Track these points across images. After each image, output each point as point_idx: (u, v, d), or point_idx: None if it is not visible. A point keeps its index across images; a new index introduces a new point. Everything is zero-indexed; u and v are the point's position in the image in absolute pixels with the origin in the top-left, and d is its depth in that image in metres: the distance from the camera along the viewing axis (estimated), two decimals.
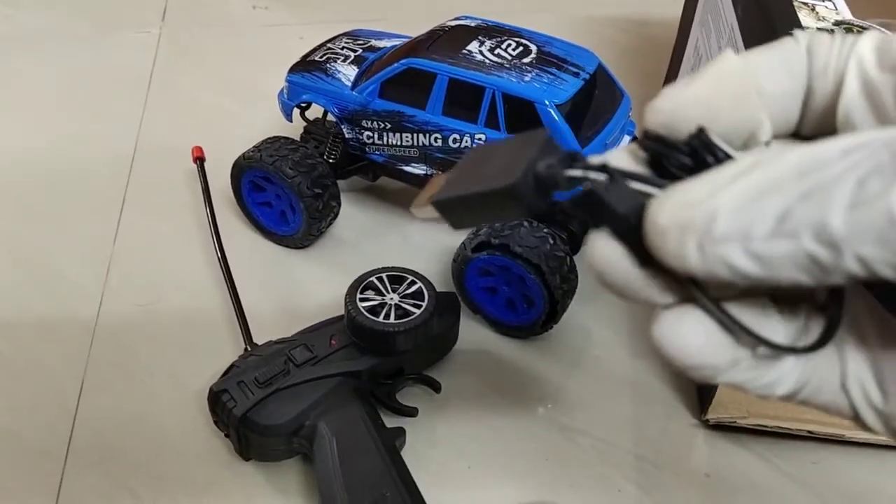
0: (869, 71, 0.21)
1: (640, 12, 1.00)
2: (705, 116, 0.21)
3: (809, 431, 0.53)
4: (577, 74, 0.58)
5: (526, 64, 0.58)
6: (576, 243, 0.64)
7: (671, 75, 0.83)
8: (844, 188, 0.17)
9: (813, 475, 0.53)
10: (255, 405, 0.49)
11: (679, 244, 0.19)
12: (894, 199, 0.16)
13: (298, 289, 0.65)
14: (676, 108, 0.22)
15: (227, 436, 0.51)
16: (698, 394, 0.57)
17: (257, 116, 0.78)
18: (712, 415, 0.54)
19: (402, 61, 0.59)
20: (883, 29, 0.39)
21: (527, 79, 0.56)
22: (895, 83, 0.20)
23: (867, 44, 0.21)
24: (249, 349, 0.55)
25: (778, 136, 0.23)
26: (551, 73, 0.57)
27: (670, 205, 0.20)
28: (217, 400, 0.50)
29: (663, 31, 0.87)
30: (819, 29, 0.24)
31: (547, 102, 0.55)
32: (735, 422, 0.54)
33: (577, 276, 0.58)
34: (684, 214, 0.19)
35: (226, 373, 0.52)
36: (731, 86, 0.22)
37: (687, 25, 0.77)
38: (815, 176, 0.17)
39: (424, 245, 0.68)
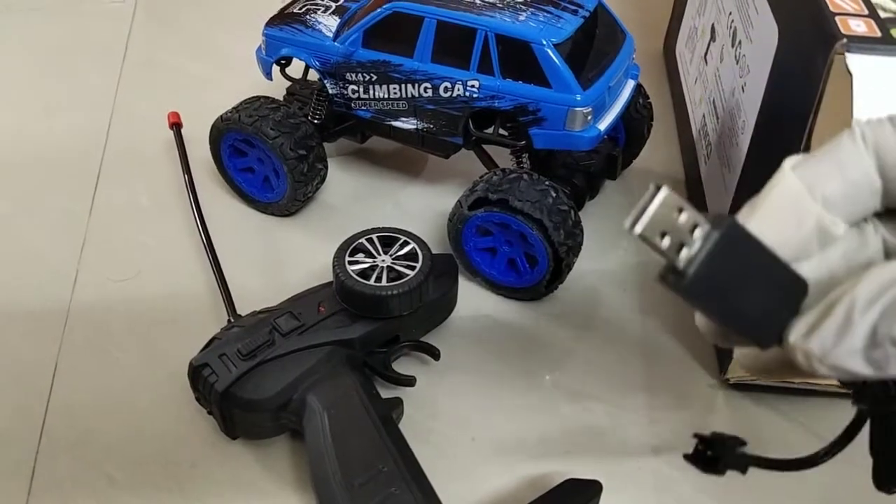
0: None
1: None
2: (776, 243, 0.26)
3: (837, 387, 0.49)
4: (575, 12, 0.53)
5: (520, 3, 0.53)
6: (580, 198, 0.60)
7: (672, 30, 0.79)
8: None
9: None
10: (238, 379, 0.46)
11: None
12: None
13: (285, 258, 0.61)
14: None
15: (210, 413, 0.48)
16: (717, 353, 0.53)
17: (238, 83, 0.73)
18: (732, 374, 0.50)
19: (386, 6, 0.55)
20: None
21: (521, 18, 0.52)
22: None
23: None
24: (233, 321, 0.51)
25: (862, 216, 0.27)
26: (547, 12, 0.53)
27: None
28: (198, 375, 0.46)
29: None
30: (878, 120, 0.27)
31: (544, 42, 0.51)
32: (757, 380, 0.50)
33: (582, 232, 0.54)
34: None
35: (206, 346, 0.48)
36: (789, 213, 0.26)
37: None
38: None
39: (418, 210, 0.64)
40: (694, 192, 0.64)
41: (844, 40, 0.37)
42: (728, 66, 0.56)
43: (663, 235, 0.24)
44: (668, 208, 0.24)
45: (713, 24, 0.62)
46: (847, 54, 0.37)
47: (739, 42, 0.54)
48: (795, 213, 0.26)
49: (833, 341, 0.24)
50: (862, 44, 0.37)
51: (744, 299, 0.26)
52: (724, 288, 0.25)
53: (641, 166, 0.67)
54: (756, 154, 0.49)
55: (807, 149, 0.40)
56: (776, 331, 0.26)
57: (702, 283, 0.25)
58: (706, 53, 0.64)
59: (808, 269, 0.27)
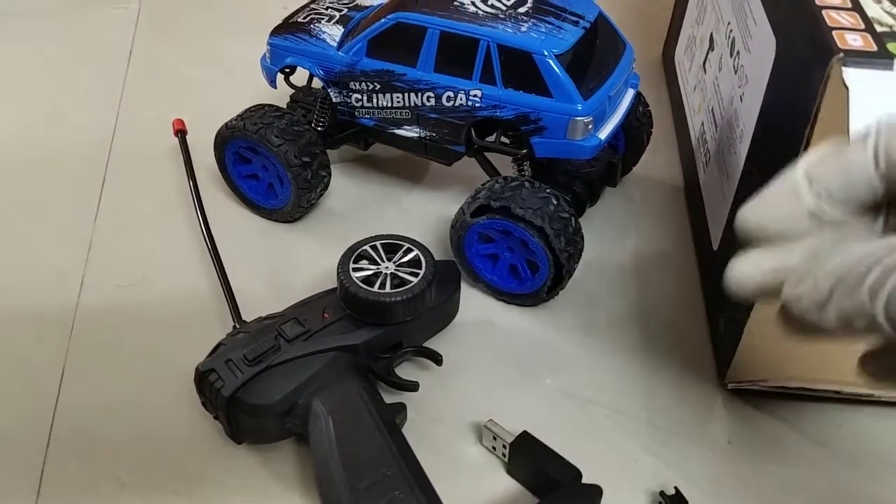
0: None
1: None
2: (768, 218, 0.32)
3: (836, 392, 0.50)
4: (576, 23, 0.54)
5: (522, 14, 0.54)
6: (580, 205, 0.60)
7: (671, 38, 0.80)
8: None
9: (840, 438, 0.50)
10: (244, 384, 0.46)
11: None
12: None
13: (289, 264, 0.61)
14: (758, 223, 0.32)
15: (216, 418, 0.48)
16: (716, 358, 0.54)
17: (242, 89, 0.74)
18: (731, 379, 0.51)
19: (390, 16, 0.56)
20: None
21: (523, 29, 0.53)
22: None
23: None
24: (238, 326, 0.52)
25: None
26: (549, 23, 0.53)
27: None
28: (204, 380, 0.47)
29: None
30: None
31: (546, 53, 0.51)
32: (756, 385, 0.50)
33: (582, 239, 0.55)
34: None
35: (213, 351, 0.49)
36: (785, 197, 0.31)
37: None
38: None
39: (421, 215, 0.65)
40: (693, 198, 0.64)
41: (841, 54, 0.38)
42: (726, 75, 0.57)
43: None
44: None
45: (712, 34, 0.63)
46: (844, 68, 0.37)
47: (738, 52, 0.55)
48: (790, 197, 0.31)
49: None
50: (858, 58, 0.38)
51: None
52: None
53: (641, 173, 0.68)
54: (753, 163, 0.50)
55: None
56: None
57: None
58: (705, 62, 0.65)
59: (798, 249, 0.31)
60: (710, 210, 0.59)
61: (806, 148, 0.40)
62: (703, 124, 0.63)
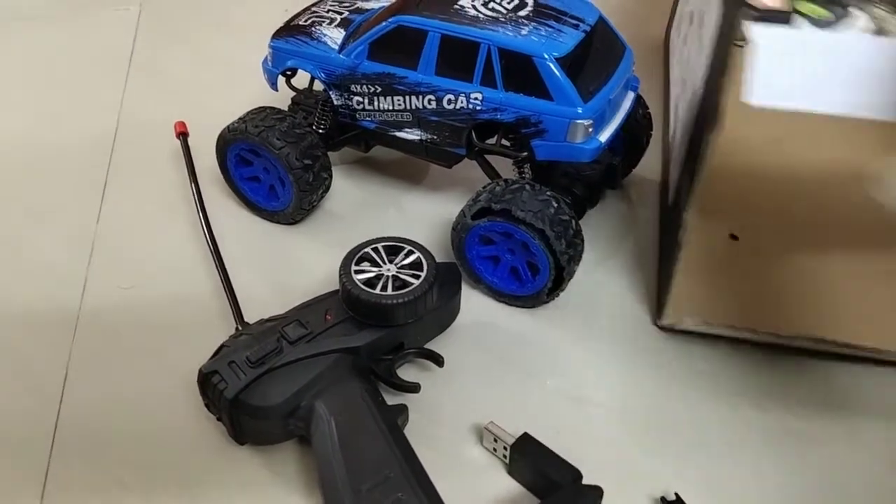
0: None
1: None
2: None
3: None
4: (576, 26, 0.54)
5: (522, 17, 0.54)
6: (580, 207, 0.61)
7: (671, 19, 0.80)
8: None
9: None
10: (247, 386, 0.46)
11: None
12: None
13: (291, 266, 0.62)
14: None
15: (219, 419, 0.49)
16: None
17: (244, 91, 0.74)
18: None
19: (390, 20, 0.56)
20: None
21: (524, 32, 0.53)
22: None
23: None
24: (240, 328, 0.52)
25: None
26: (550, 26, 0.54)
27: None
28: (207, 382, 0.47)
29: None
30: None
31: (546, 56, 0.52)
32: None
33: (582, 241, 0.55)
34: None
35: (216, 353, 0.49)
36: None
37: None
38: None
39: (422, 217, 0.65)
40: (664, 174, 0.65)
41: (752, 11, 0.40)
42: (694, 47, 0.58)
43: None
44: None
45: (691, 10, 0.64)
46: (751, 24, 0.40)
47: (703, 23, 0.56)
48: None
49: None
50: (767, 15, 0.40)
51: None
52: None
53: (641, 174, 0.68)
54: (697, 128, 0.51)
55: (718, 116, 0.43)
56: None
57: None
58: (686, 37, 0.66)
59: None
60: (672, 169, 0.60)
61: (718, 105, 0.42)
62: (678, 96, 0.64)
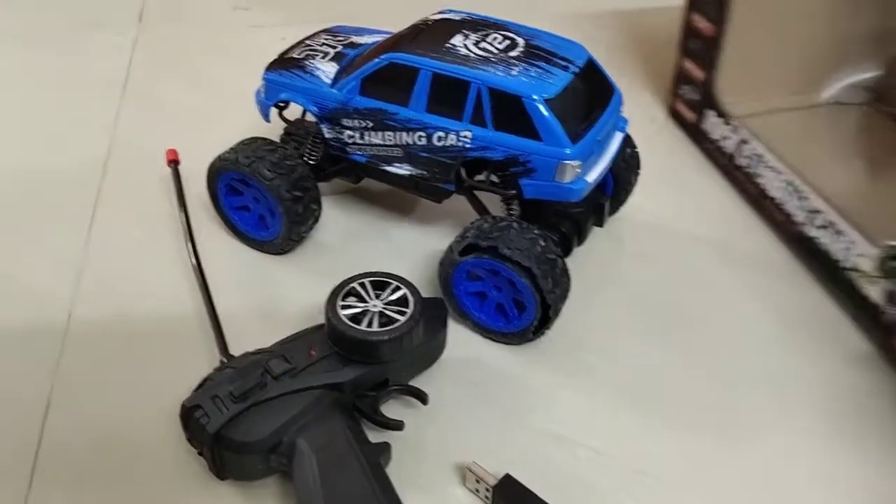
0: None
1: (633, 8, 0.98)
2: None
3: None
4: (566, 68, 0.55)
5: (513, 57, 0.55)
6: (567, 245, 0.61)
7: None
8: None
9: None
10: (229, 421, 0.46)
11: None
12: None
13: (279, 296, 0.62)
14: None
15: (200, 454, 0.48)
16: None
17: (237, 119, 0.75)
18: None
19: (383, 56, 0.57)
20: None
21: (514, 73, 0.54)
22: None
23: None
24: (225, 361, 0.52)
25: None
26: (539, 67, 0.54)
27: None
28: (190, 416, 0.47)
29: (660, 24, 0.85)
30: None
31: (535, 97, 0.52)
32: None
33: (569, 279, 0.56)
34: None
35: (199, 386, 0.49)
36: None
37: None
38: None
39: (410, 249, 0.66)
40: None
41: None
42: None
43: None
44: None
45: None
46: None
47: None
48: None
49: None
50: None
51: None
52: None
53: (628, 213, 0.69)
54: None
55: None
56: None
57: None
58: None
59: None
60: None
61: None
62: None
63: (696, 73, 0.74)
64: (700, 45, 0.72)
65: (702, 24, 0.71)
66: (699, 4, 0.72)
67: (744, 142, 0.71)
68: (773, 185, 0.68)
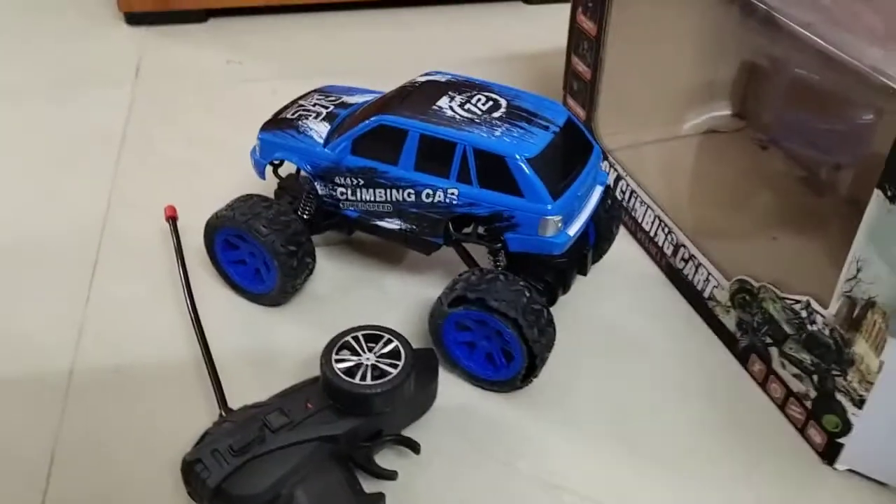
0: None
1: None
2: None
3: None
4: (546, 128, 0.58)
5: (496, 118, 0.58)
6: (552, 295, 0.63)
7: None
8: None
9: None
10: (229, 475, 0.48)
11: None
12: None
13: (275, 347, 0.64)
14: None
15: None
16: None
17: (232, 173, 0.77)
18: None
19: (373, 118, 0.59)
20: None
21: (497, 133, 0.57)
22: None
23: None
24: (224, 414, 0.54)
25: None
26: (521, 128, 0.57)
27: None
28: (190, 470, 0.49)
29: None
30: None
31: (518, 157, 0.55)
32: None
33: (554, 329, 0.58)
34: None
35: (199, 441, 0.51)
36: None
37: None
38: None
39: (402, 299, 0.68)
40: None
41: None
42: None
43: None
44: None
45: None
46: None
47: None
48: None
49: None
50: None
51: None
52: None
53: (611, 261, 0.71)
54: None
55: None
56: None
57: None
58: None
59: None
60: None
61: None
62: None
63: (579, 111, 0.79)
64: (581, 85, 0.77)
65: (580, 67, 0.76)
66: (578, 49, 0.77)
67: (619, 178, 0.75)
68: (646, 219, 0.73)
